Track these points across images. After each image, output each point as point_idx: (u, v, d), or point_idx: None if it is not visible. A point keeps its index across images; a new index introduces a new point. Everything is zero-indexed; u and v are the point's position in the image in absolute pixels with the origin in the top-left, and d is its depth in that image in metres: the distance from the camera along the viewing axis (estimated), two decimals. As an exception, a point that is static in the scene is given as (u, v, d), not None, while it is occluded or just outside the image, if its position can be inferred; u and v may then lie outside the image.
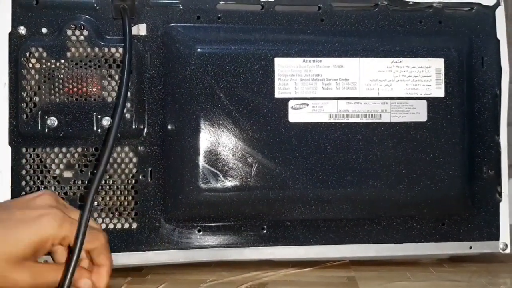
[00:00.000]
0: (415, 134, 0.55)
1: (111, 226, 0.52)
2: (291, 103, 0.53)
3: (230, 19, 0.54)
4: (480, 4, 0.58)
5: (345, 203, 0.54)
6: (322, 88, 0.54)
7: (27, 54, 0.51)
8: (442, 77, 0.55)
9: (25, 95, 0.51)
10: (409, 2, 0.56)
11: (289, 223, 0.55)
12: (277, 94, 0.53)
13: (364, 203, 0.54)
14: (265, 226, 0.55)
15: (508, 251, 0.57)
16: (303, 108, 0.53)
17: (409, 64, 0.55)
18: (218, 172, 0.52)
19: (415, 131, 0.55)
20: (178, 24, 0.54)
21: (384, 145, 0.54)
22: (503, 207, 0.57)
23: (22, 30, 0.52)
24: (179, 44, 0.53)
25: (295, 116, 0.53)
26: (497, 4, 0.58)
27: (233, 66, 0.52)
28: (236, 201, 0.52)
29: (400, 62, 0.55)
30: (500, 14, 0.58)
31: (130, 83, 0.51)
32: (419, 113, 0.55)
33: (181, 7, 0.54)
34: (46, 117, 0.51)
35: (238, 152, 0.52)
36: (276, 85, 0.53)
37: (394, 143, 0.54)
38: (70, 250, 0.42)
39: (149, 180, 0.53)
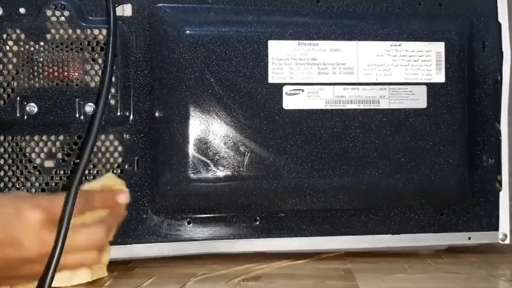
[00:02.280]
0: (414, 121, 0.54)
1: (96, 218, 0.50)
2: (286, 89, 0.52)
3: (221, -1, 0.53)
4: (481, -15, 0.57)
5: (341, 193, 0.53)
6: (318, 73, 0.52)
7: (4, 36, 0.49)
8: (443, 62, 0.54)
9: (2, 79, 0.49)
10: (408, -17, 0.55)
11: (283, 214, 0.54)
12: (271, 79, 0.52)
13: (361, 193, 0.53)
14: (258, 218, 0.53)
15: (507, 241, 0.57)
16: (298, 94, 0.52)
17: (408, 48, 0.53)
18: (208, 161, 0.51)
19: (414, 118, 0.54)
20: (166, 4, 0.52)
21: (382, 132, 0.53)
22: (503, 196, 0.57)
23: (-2, 10, 0.50)
24: (166, 26, 0.51)
25: (290, 102, 0.52)
26: (499, -14, 0.57)
27: (224, 49, 0.51)
28: (227, 191, 0.51)
29: (400, 45, 0.53)
30: (502, -3, 0.57)
31: (114, 67, 0.49)
32: (418, 99, 0.54)
33: (168, -14, 0.52)
34: (25, 103, 0.49)
35: (229, 140, 0.51)
36: (269, 69, 0.52)
37: (393, 131, 0.53)
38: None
39: (136, 169, 0.51)
